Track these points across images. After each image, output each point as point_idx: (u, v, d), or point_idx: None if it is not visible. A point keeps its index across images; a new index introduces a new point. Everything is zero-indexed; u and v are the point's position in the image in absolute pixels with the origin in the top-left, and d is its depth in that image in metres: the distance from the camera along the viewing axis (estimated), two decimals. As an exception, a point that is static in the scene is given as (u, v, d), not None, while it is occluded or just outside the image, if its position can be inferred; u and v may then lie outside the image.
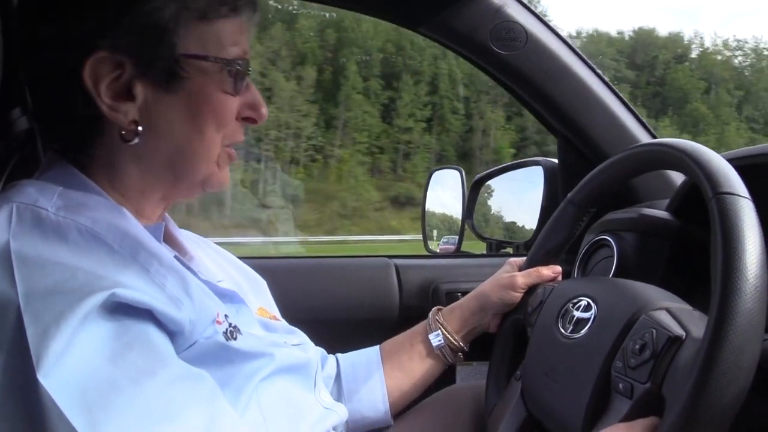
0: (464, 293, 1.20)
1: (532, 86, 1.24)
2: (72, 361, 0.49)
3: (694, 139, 0.75)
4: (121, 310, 0.54)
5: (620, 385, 0.65)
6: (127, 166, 0.67)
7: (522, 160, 1.62)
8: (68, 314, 0.50)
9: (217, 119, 0.67)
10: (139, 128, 0.64)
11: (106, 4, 0.63)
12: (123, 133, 0.64)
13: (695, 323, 0.64)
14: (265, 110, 0.73)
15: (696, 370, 0.54)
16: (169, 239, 0.76)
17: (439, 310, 1.01)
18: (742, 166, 0.67)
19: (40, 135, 0.80)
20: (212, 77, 0.66)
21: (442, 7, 1.15)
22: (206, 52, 0.65)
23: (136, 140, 0.64)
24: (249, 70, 0.70)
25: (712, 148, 0.69)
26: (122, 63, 0.63)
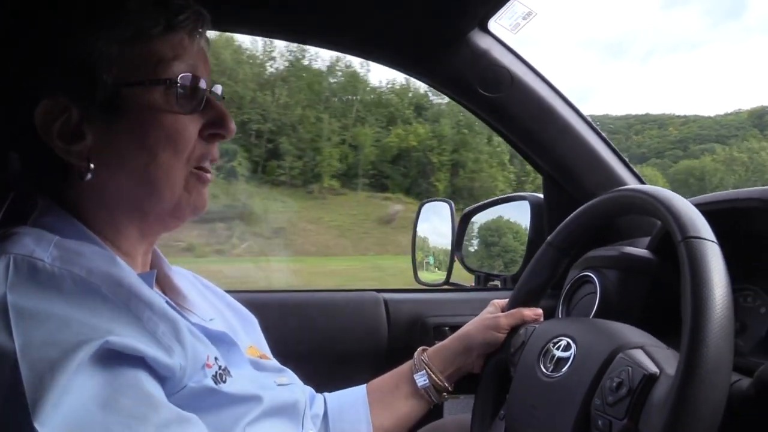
0: (452, 327, 1.22)
1: (518, 127, 1.29)
2: (67, 409, 0.50)
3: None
4: (113, 357, 0.55)
5: (599, 422, 0.66)
6: (94, 205, 0.68)
7: (509, 195, 1.66)
8: (63, 363, 0.51)
9: (170, 142, 0.66)
10: (91, 165, 0.65)
11: (38, 56, 0.65)
12: (80, 172, 0.66)
13: (669, 361, 0.66)
14: (232, 125, 0.70)
15: (669, 405, 0.57)
16: (162, 280, 0.78)
17: (424, 350, 1.02)
18: (709, 211, 0.70)
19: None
20: (155, 100, 0.65)
21: (430, 52, 1.20)
22: (143, 75, 0.65)
23: (89, 176, 0.65)
24: (204, 87, 0.68)
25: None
26: (67, 106, 0.64)
